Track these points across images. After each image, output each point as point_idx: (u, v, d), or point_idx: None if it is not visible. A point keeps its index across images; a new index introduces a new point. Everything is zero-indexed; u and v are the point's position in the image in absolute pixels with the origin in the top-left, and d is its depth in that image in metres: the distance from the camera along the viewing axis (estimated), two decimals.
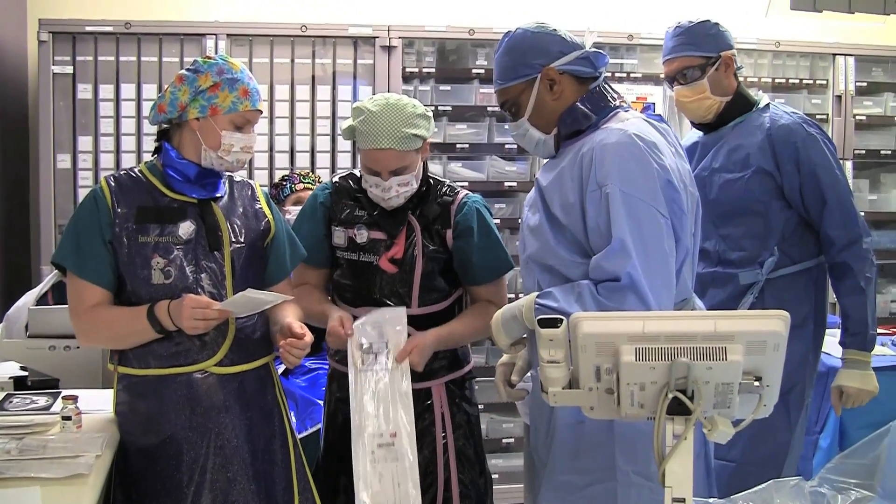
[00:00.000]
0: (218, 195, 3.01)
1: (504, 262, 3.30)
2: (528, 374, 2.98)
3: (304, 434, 3.79)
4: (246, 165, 3.05)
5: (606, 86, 2.89)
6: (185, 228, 2.91)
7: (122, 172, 3.01)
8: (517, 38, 2.88)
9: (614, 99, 2.87)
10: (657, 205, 2.62)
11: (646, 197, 2.61)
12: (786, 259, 3.56)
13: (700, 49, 3.55)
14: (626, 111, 2.84)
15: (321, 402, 3.75)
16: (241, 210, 3.04)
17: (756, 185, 3.53)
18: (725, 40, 3.59)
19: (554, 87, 2.83)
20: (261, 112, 3.04)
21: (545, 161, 2.97)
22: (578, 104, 2.82)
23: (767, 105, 3.63)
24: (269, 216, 3.10)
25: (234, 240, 2.97)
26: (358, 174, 3.33)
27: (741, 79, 3.67)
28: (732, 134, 3.61)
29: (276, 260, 3.11)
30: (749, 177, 3.53)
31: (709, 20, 3.59)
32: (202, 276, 2.90)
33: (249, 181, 3.17)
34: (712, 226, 3.57)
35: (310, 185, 4.54)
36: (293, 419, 3.37)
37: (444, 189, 3.29)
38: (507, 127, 3.03)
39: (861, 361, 3.47)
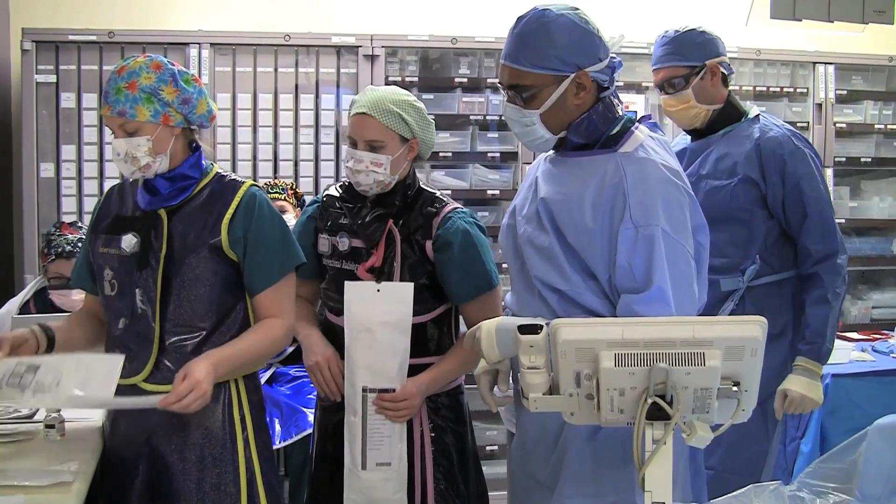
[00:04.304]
0: (172, 204, 2.88)
1: (483, 283, 3.17)
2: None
3: (290, 441, 3.81)
4: (146, 170, 2.83)
5: (615, 93, 2.79)
6: (128, 241, 2.85)
7: (129, 180, 2.99)
8: (563, 25, 2.65)
9: (619, 108, 2.77)
10: (688, 245, 2.60)
11: (681, 238, 2.58)
12: (767, 268, 3.58)
13: (684, 59, 3.56)
14: (636, 128, 2.74)
15: (306, 410, 3.75)
16: (202, 220, 2.86)
17: (741, 193, 3.54)
18: (713, 48, 3.60)
19: (580, 93, 2.67)
20: (115, 117, 2.77)
21: (539, 169, 2.87)
22: (591, 114, 2.70)
23: (757, 116, 3.65)
24: (226, 225, 2.85)
25: (171, 254, 2.82)
26: (347, 183, 3.31)
27: (734, 87, 3.68)
28: (721, 142, 3.63)
29: (254, 268, 2.89)
30: (735, 185, 3.55)
31: (695, 29, 3.59)
32: (136, 290, 2.83)
33: (240, 187, 2.94)
34: None
35: (276, 195, 4.57)
36: (254, 445, 3.02)
37: (433, 201, 3.23)
38: (500, 99, 2.87)
39: (811, 371, 3.46)
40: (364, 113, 3.10)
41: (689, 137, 3.77)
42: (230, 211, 2.85)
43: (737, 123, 3.64)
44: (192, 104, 2.84)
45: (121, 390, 2.68)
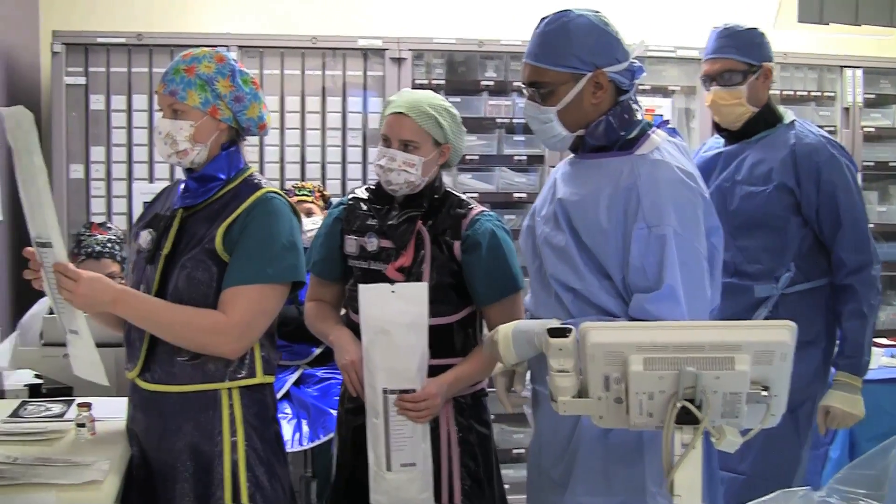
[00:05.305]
0: (194, 203, 2.88)
1: (510, 285, 3.21)
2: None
3: (317, 443, 3.82)
4: (177, 162, 2.89)
5: (634, 98, 2.81)
6: (144, 237, 2.89)
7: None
8: (582, 25, 2.72)
9: (637, 112, 2.80)
10: (701, 247, 2.62)
11: (694, 239, 2.61)
12: (801, 275, 3.56)
13: (744, 55, 3.55)
14: (653, 132, 2.77)
15: (333, 412, 3.76)
16: (209, 222, 2.83)
17: (776, 199, 3.53)
18: (768, 52, 3.60)
19: (597, 93, 2.72)
20: (167, 95, 2.82)
21: (560, 170, 2.91)
22: (609, 116, 2.73)
23: (793, 122, 3.64)
24: (224, 228, 2.79)
25: (173, 253, 2.82)
26: (374, 185, 3.34)
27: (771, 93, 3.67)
28: (756, 147, 3.62)
29: (230, 263, 2.79)
30: (770, 191, 3.53)
31: (756, 28, 3.60)
32: (142, 286, 2.84)
33: (259, 190, 2.86)
34: (730, 237, 3.49)
35: (303, 197, 4.58)
36: (243, 463, 2.87)
37: (460, 203, 3.27)
38: (522, 104, 2.91)
39: (851, 385, 3.47)
40: (401, 112, 3.14)
41: (721, 141, 3.76)
42: (234, 215, 2.81)
43: (772, 129, 3.62)
44: (243, 104, 2.86)
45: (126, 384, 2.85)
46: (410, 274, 3.16)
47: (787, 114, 3.68)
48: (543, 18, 2.79)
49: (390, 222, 3.20)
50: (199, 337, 2.76)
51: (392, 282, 3.13)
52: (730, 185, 3.61)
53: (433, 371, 3.13)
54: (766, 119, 3.63)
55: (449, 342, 3.23)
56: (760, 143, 3.62)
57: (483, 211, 3.26)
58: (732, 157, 3.66)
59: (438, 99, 3.22)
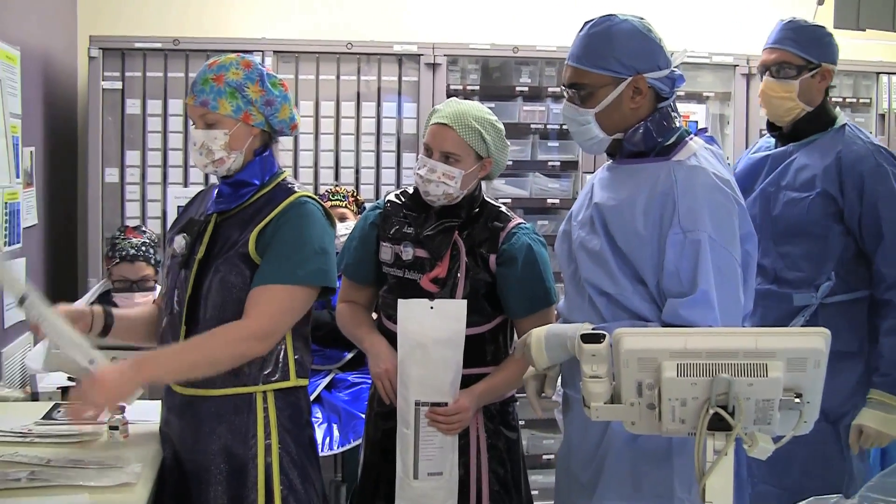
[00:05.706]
0: (228, 209, 2.89)
1: (542, 300, 3.21)
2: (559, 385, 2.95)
3: (348, 447, 3.83)
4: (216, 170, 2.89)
5: (673, 105, 2.82)
6: (178, 242, 2.90)
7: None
8: (625, 30, 2.73)
9: (676, 119, 2.79)
10: (735, 253, 2.62)
11: (729, 245, 2.60)
12: (842, 285, 3.47)
13: (805, 51, 3.49)
14: (691, 139, 2.77)
15: (364, 416, 3.77)
16: (243, 227, 2.84)
17: (818, 207, 3.45)
18: (832, 54, 3.53)
19: (636, 97, 2.73)
20: (198, 106, 2.83)
21: (598, 176, 2.90)
22: (648, 123, 2.74)
23: (844, 126, 3.55)
24: (257, 232, 2.80)
25: (206, 258, 2.83)
26: (411, 190, 3.34)
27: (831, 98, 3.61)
28: (803, 152, 3.54)
29: (259, 270, 2.79)
30: (813, 198, 3.45)
31: (824, 27, 3.55)
32: (176, 291, 2.86)
33: (292, 194, 2.87)
34: (772, 242, 3.51)
35: (337, 202, 4.59)
36: (277, 467, 2.87)
37: (498, 216, 3.26)
38: (561, 108, 2.92)
39: (887, 404, 3.35)
40: (445, 124, 3.13)
41: (772, 142, 3.69)
42: (267, 219, 2.82)
43: (822, 133, 3.54)
44: (275, 107, 2.87)
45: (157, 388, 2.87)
46: (445, 285, 3.17)
47: (840, 117, 3.59)
48: (587, 22, 2.79)
49: (427, 233, 3.20)
50: (232, 350, 2.75)
51: (426, 292, 3.15)
52: (774, 190, 3.54)
53: (464, 380, 3.14)
54: (818, 121, 3.54)
55: (480, 352, 3.23)
56: (808, 147, 3.53)
57: (520, 224, 3.25)
58: (779, 161, 3.59)
59: (484, 112, 3.21)
